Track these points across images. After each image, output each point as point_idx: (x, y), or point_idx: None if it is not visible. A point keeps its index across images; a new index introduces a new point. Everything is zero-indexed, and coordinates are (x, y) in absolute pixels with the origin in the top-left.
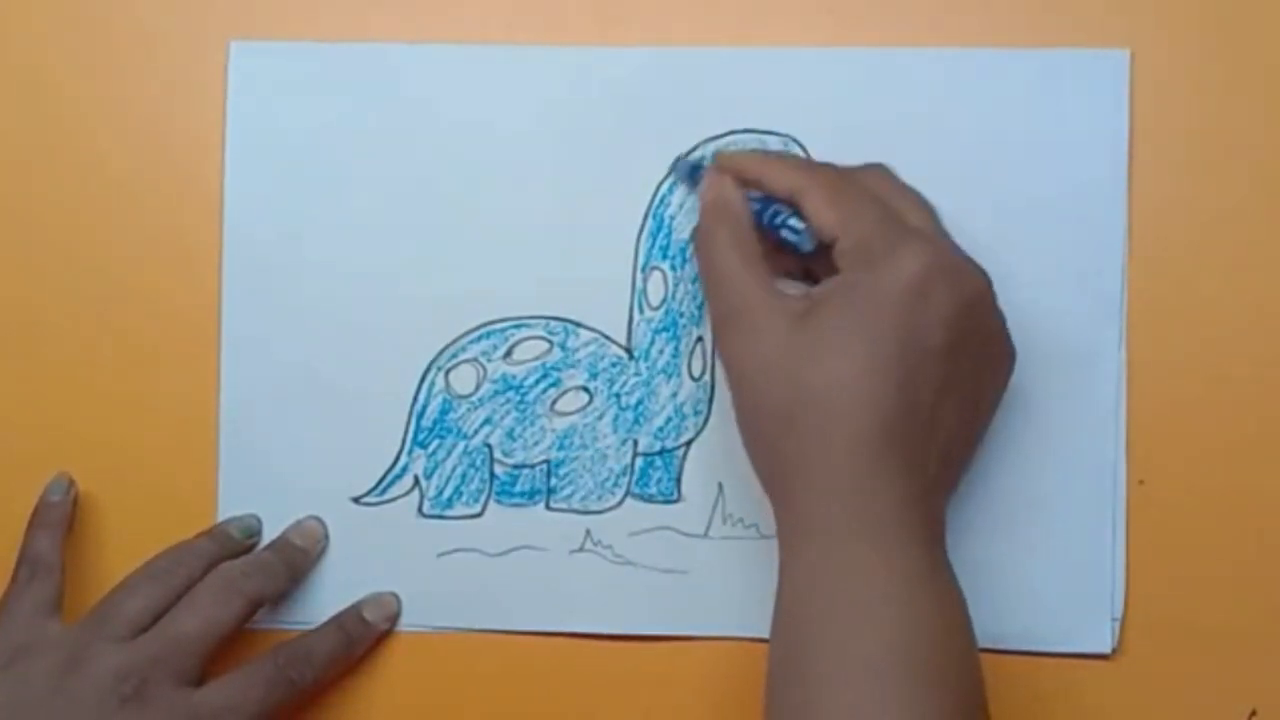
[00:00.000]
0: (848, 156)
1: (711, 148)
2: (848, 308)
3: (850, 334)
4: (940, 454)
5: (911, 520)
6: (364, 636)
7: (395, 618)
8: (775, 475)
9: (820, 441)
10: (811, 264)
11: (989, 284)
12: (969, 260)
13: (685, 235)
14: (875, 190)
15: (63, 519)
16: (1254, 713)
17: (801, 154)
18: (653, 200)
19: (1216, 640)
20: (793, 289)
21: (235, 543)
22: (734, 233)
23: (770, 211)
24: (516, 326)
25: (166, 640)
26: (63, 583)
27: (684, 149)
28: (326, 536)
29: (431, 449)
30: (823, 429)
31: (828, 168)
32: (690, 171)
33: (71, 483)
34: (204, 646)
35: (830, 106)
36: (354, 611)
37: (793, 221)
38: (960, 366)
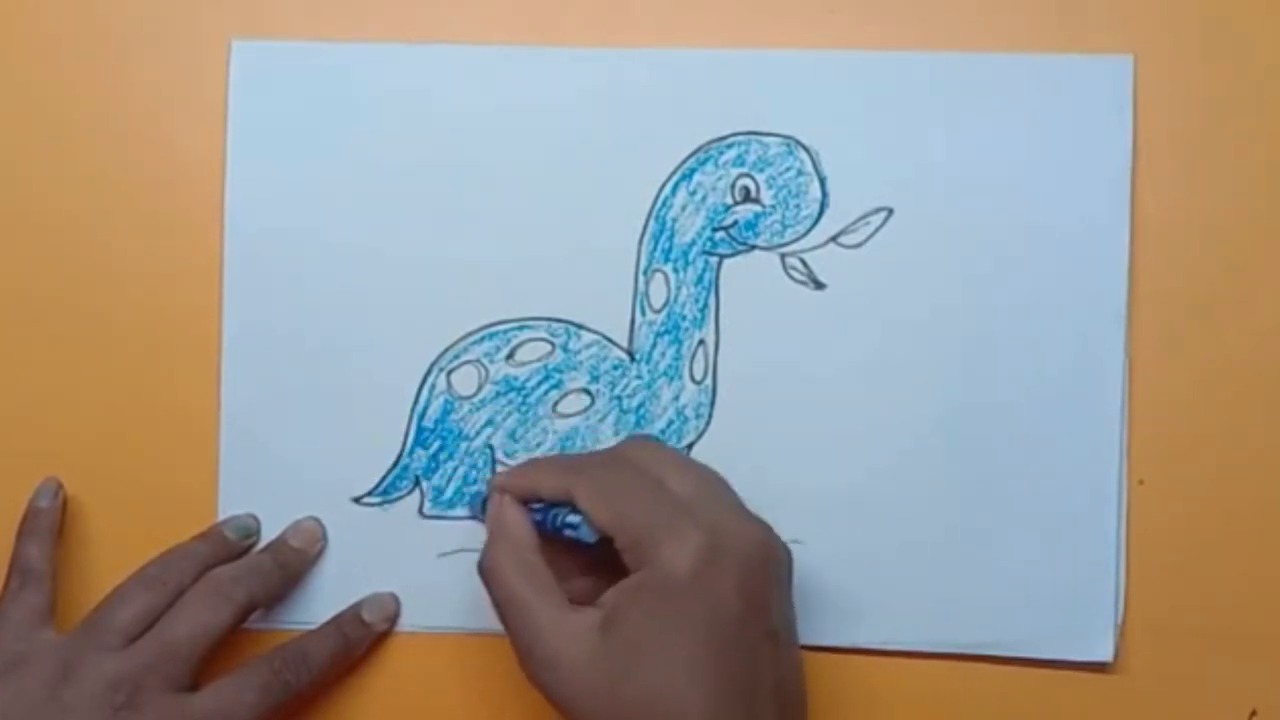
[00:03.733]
0: (850, 159)
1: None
2: (642, 611)
3: (653, 638)
4: (778, 706)
5: None
6: (362, 638)
7: (395, 618)
8: None
9: None
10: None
11: (764, 529)
12: (737, 515)
13: (688, 238)
14: (643, 465)
15: (51, 525)
16: (1254, 713)
17: (805, 156)
18: (655, 202)
19: (1217, 640)
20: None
21: (230, 544)
22: (516, 557)
23: (551, 515)
24: (519, 328)
25: (158, 647)
26: (54, 590)
27: (687, 151)
28: (325, 537)
29: (433, 449)
30: None
31: (595, 459)
32: (484, 503)
33: (59, 487)
34: (195, 652)
35: (833, 110)
36: (353, 612)
37: (571, 518)
38: (772, 618)
